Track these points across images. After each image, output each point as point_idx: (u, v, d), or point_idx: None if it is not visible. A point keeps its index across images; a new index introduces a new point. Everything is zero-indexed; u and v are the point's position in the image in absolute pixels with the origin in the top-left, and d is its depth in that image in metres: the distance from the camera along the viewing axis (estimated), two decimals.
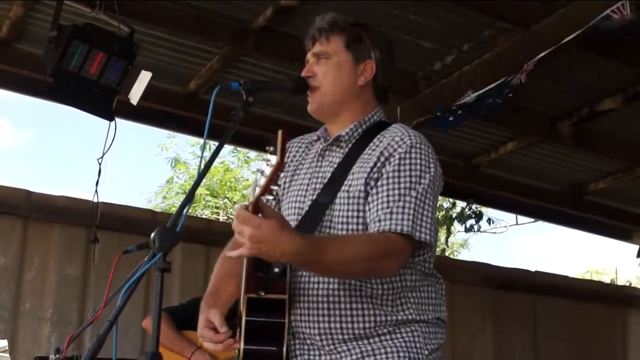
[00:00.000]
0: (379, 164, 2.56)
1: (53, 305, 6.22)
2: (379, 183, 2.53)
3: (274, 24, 5.48)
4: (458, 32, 5.53)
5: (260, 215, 2.21)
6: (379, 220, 2.47)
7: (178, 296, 6.29)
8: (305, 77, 2.71)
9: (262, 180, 2.16)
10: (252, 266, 2.49)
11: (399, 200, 2.47)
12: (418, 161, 2.54)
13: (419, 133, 2.65)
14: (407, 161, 2.54)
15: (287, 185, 2.79)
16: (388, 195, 2.49)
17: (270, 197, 2.38)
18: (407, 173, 2.52)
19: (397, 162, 2.54)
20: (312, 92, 2.71)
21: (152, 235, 2.14)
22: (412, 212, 2.46)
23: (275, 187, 2.18)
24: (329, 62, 2.71)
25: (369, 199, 2.54)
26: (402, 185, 2.50)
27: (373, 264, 2.41)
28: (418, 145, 2.57)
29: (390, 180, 2.51)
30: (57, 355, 3.94)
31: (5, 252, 6.13)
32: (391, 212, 2.46)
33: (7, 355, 4.93)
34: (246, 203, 2.25)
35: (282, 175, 2.29)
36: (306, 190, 2.69)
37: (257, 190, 2.18)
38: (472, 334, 7.99)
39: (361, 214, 2.55)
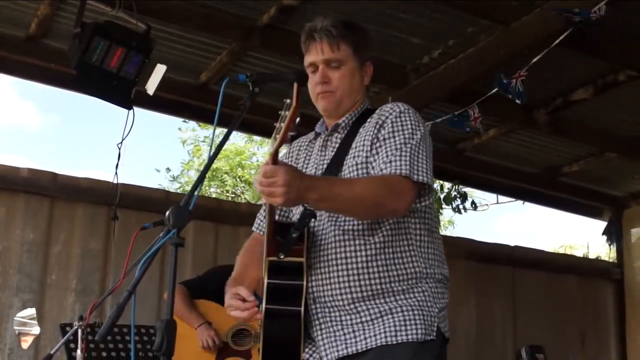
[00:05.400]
0: (375, 131, 2.64)
1: (77, 277, 6.23)
2: (378, 145, 2.61)
3: (277, 21, 5.47)
4: (444, 29, 5.52)
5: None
6: (381, 170, 2.54)
7: (190, 268, 6.31)
8: (321, 82, 2.74)
9: (281, 131, 2.20)
10: (273, 231, 2.52)
11: (396, 152, 2.54)
12: (409, 122, 2.63)
13: (407, 104, 2.73)
14: (399, 123, 2.62)
15: None
16: (387, 151, 2.57)
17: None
18: (400, 132, 2.60)
19: (390, 125, 2.63)
20: (329, 95, 2.76)
21: (167, 213, 2.15)
22: (408, 158, 2.53)
23: (293, 133, 2.22)
24: (343, 69, 2.76)
25: (371, 159, 2.61)
26: (397, 141, 2.58)
27: (381, 199, 2.48)
28: (407, 111, 2.67)
29: (388, 141, 2.59)
30: (80, 322, 3.96)
31: (34, 229, 6.14)
32: (390, 161, 2.53)
33: (36, 322, 4.95)
34: (267, 159, 2.31)
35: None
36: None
37: (277, 139, 2.20)
38: (457, 303, 7.99)
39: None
